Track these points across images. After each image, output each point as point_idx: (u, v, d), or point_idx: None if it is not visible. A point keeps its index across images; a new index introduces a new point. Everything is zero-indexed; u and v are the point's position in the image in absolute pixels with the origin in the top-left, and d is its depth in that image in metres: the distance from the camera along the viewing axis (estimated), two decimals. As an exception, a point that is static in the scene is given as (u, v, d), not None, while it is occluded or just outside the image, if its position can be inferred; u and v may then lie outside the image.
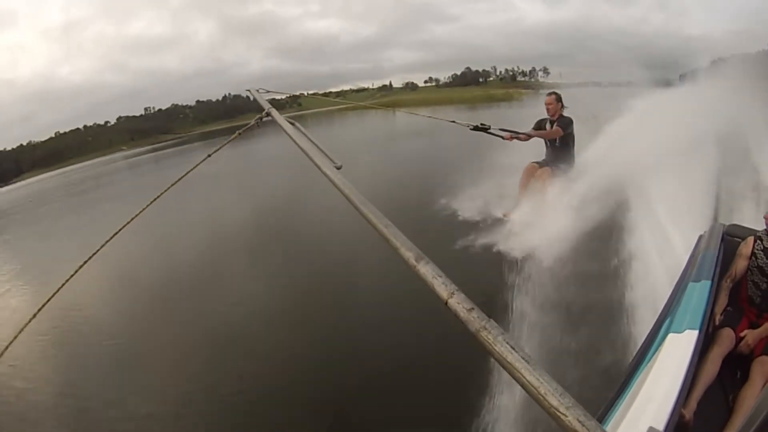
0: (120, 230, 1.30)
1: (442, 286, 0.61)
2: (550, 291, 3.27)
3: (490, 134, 4.30)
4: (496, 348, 0.52)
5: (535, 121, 4.88)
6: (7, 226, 12.96)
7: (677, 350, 1.59)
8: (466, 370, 2.57)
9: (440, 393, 2.64)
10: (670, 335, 1.69)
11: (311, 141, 1.13)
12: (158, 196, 1.30)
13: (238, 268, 5.18)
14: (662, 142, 4.92)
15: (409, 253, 0.68)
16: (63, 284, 1.23)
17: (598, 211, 4.09)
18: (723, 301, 2.15)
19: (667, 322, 1.84)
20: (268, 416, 2.72)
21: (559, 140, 4.69)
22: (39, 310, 1.18)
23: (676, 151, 4.79)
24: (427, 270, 0.65)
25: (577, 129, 4.76)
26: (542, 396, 0.46)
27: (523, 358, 0.49)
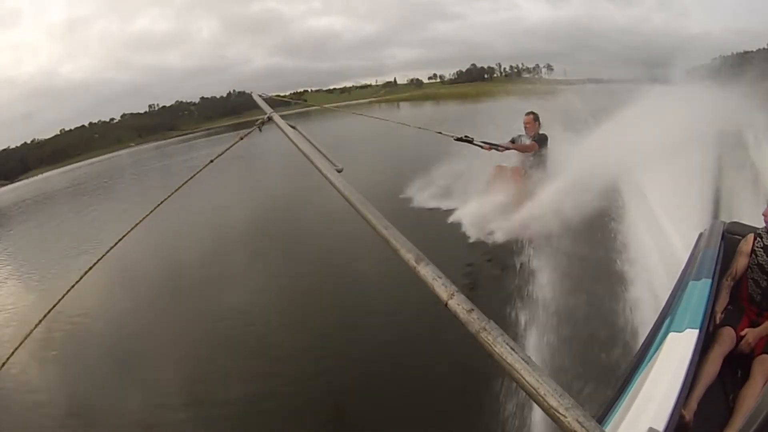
0: (123, 237, 1.30)
1: (442, 287, 0.62)
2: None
3: (473, 145, 4.63)
4: (496, 349, 0.52)
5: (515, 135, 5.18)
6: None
7: (678, 350, 1.59)
8: (467, 370, 2.58)
9: (440, 393, 2.64)
10: (671, 334, 1.69)
11: (312, 144, 1.14)
12: (161, 202, 1.31)
13: (238, 268, 5.17)
14: (659, 139, 4.93)
15: (409, 254, 0.68)
16: (66, 292, 1.24)
17: (575, 209, 4.19)
18: (724, 299, 2.15)
19: (667, 321, 1.84)
20: (268, 416, 2.71)
21: (534, 156, 4.91)
22: (44, 317, 1.19)
23: (673, 148, 4.79)
24: (427, 271, 0.65)
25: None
26: (542, 397, 0.47)
27: (523, 359, 0.50)
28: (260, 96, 1.68)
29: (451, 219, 5.03)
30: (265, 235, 6.25)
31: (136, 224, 1.31)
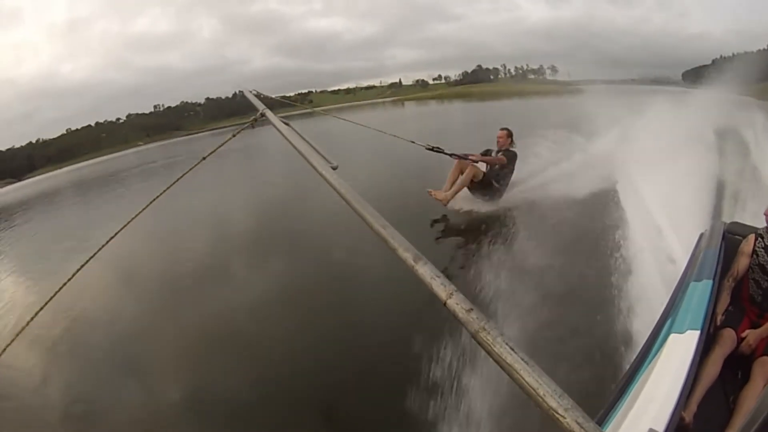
0: (118, 232, 1.29)
1: (440, 286, 0.61)
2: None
3: (444, 155, 5.07)
4: (495, 349, 0.51)
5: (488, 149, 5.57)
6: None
7: (679, 351, 1.58)
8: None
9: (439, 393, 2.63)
10: (672, 335, 1.68)
11: (306, 141, 1.12)
12: (155, 198, 1.30)
13: (236, 265, 5.15)
14: (661, 140, 4.94)
15: (407, 253, 0.68)
16: (60, 287, 1.23)
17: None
18: (725, 300, 2.14)
19: (668, 322, 1.83)
20: (268, 416, 2.71)
21: (500, 169, 5.34)
22: (36, 313, 1.18)
23: (674, 149, 4.80)
24: (425, 270, 0.64)
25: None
26: (541, 397, 0.46)
27: (522, 359, 0.49)
28: (251, 92, 1.66)
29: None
30: (264, 232, 6.24)
31: (130, 220, 1.30)
